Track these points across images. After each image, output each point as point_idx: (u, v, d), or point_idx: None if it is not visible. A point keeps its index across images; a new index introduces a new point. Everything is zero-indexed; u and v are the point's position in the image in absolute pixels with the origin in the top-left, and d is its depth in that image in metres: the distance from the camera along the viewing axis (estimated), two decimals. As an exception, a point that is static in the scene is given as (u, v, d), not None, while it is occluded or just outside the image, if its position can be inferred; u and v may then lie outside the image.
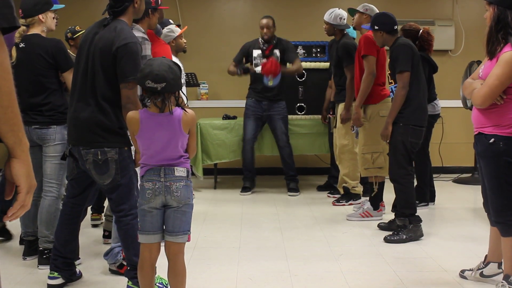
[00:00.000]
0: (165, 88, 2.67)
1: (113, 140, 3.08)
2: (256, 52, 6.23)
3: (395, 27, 4.54)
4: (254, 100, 6.28)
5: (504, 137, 3.12)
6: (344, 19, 5.70)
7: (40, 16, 3.76)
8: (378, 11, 5.10)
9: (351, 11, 5.32)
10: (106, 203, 4.77)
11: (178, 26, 5.24)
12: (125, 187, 3.13)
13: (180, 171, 2.77)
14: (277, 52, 6.21)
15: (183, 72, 4.59)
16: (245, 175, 6.45)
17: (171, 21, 5.19)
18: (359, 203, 5.45)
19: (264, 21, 6.18)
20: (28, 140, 4.16)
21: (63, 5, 4.02)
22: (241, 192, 6.37)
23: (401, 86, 4.37)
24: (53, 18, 3.88)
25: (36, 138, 3.75)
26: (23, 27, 3.74)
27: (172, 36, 4.94)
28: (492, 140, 3.15)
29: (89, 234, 4.52)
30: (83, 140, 3.14)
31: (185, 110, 2.76)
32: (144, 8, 3.37)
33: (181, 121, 2.74)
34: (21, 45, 3.73)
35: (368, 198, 5.21)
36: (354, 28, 5.51)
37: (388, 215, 4.96)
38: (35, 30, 3.77)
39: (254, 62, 6.22)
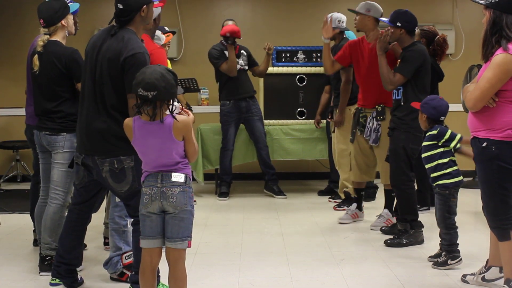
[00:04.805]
0: (156, 96, 2.67)
1: (128, 148, 3.00)
2: (227, 53, 6.28)
3: (416, 28, 4.50)
4: (232, 104, 6.31)
5: (496, 141, 3.12)
6: (343, 22, 5.70)
7: (63, 21, 3.77)
8: (381, 9, 5.02)
9: (352, 12, 5.19)
10: (103, 209, 4.78)
11: (173, 33, 5.28)
12: None
13: (177, 177, 2.78)
14: (244, 52, 6.36)
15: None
16: (224, 179, 6.45)
17: (166, 28, 5.22)
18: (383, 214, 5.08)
19: (230, 21, 6.34)
20: (38, 145, 4.18)
21: (78, 4, 3.98)
22: (220, 197, 6.37)
23: (389, 82, 4.38)
24: (73, 19, 3.89)
25: (46, 144, 3.75)
26: (46, 36, 3.72)
27: (158, 44, 5.00)
28: (484, 144, 3.16)
29: (91, 241, 4.51)
30: (98, 150, 3.12)
31: (175, 118, 2.75)
32: (153, 14, 3.35)
33: (172, 129, 2.74)
34: (41, 51, 3.72)
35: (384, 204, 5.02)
36: (358, 30, 5.41)
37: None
38: (57, 37, 3.76)
39: None
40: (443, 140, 3.80)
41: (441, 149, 3.81)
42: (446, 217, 3.81)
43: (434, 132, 3.83)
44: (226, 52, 6.22)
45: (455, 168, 3.83)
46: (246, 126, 6.43)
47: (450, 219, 3.82)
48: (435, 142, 3.82)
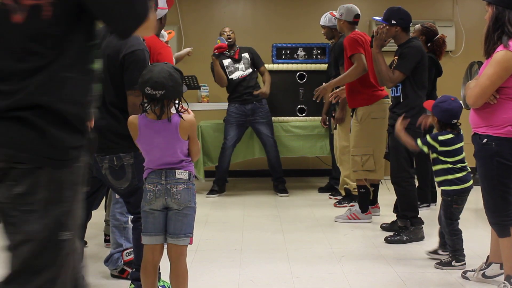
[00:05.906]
0: (164, 95, 2.66)
1: (128, 145, 3.00)
2: (227, 61, 6.29)
3: (410, 24, 4.52)
4: (238, 105, 6.29)
5: (496, 138, 3.13)
6: None
7: None
8: (356, 10, 5.14)
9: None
10: (103, 206, 4.77)
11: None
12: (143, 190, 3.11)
13: (181, 174, 2.78)
14: (246, 55, 6.32)
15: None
16: (218, 178, 6.43)
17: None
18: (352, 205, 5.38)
19: (227, 28, 6.34)
20: None
21: None
22: (208, 194, 6.34)
23: (388, 79, 4.37)
24: None
25: None
26: None
27: (162, 41, 5.00)
28: (484, 140, 3.16)
29: (91, 238, 4.51)
30: (97, 147, 3.12)
31: (182, 117, 2.74)
32: (152, 12, 3.33)
33: (179, 128, 2.74)
34: None
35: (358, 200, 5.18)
36: (339, 32, 5.55)
37: (390, 217, 4.95)
38: None
39: (228, 71, 6.29)
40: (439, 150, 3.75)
41: (436, 155, 3.77)
42: (449, 223, 3.78)
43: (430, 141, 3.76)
44: (224, 61, 6.26)
45: (457, 175, 3.76)
46: (252, 129, 6.42)
47: (452, 225, 3.77)
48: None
